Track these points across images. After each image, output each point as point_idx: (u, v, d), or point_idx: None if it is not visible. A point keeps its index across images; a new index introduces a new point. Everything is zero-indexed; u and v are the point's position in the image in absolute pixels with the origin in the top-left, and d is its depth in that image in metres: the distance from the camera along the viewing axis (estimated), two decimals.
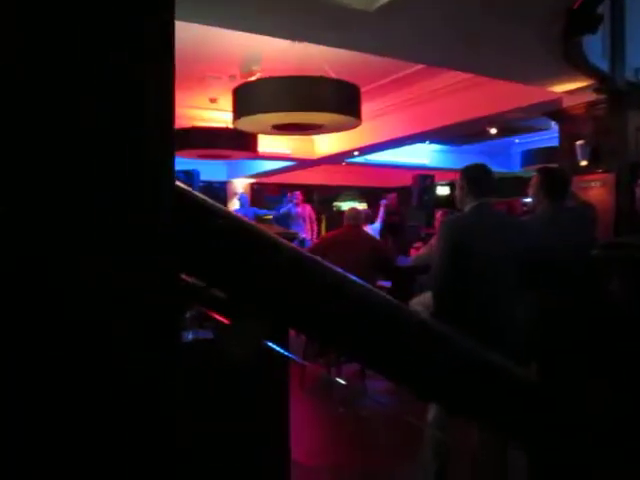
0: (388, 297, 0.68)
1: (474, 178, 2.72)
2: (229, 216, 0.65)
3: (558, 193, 2.96)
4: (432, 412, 2.71)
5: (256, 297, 0.68)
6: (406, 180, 10.52)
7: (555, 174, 3.10)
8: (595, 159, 4.98)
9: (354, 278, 0.67)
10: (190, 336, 2.38)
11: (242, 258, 0.64)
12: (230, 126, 5.78)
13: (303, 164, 10.24)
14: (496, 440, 2.24)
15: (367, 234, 5.44)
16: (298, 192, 9.69)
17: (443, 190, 9.41)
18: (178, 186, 0.56)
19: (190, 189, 0.62)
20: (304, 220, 9.38)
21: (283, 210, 9.53)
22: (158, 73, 0.50)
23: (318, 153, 9.24)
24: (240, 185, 12.11)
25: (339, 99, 4.40)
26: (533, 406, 0.72)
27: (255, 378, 1.99)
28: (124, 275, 0.45)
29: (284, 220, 9.27)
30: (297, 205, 9.44)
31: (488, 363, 0.70)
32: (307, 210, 9.60)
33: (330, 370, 4.78)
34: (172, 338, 0.49)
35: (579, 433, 0.76)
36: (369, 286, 0.68)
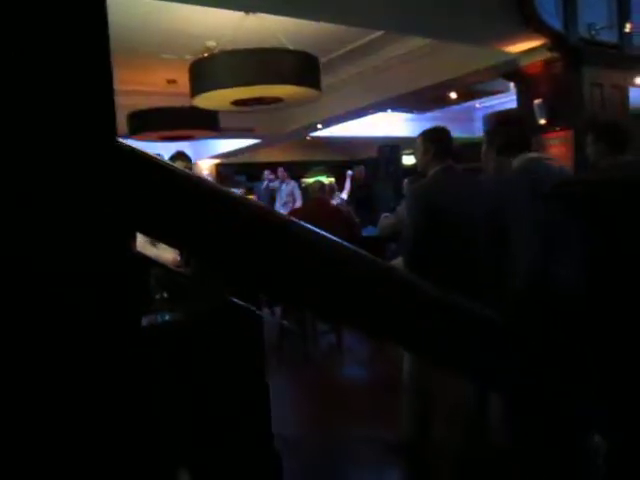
0: (349, 246, 0.68)
1: (438, 141, 2.74)
2: (184, 174, 0.64)
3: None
4: (407, 362, 2.76)
5: (216, 255, 0.67)
6: (373, 152, 10.55)
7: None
8: (553, 117, 5.06)
9: (316, 230, 0.67)
10: (161, 318, 2.37)
11: (199, 215, 0.63)
12: (190, 105, 5.68)
13: (268, 141, 10.14)
14: (475, 386, 2.30)
15: (332, 205, 5.53)
16: (280, 168, 9.68)
17: (409, 159, 9.46)
18: (121, 143, 0.55)
19: (135, 147, 0.61)
20: (288, 196, 9.38)
21: (271, 185, 9.52)
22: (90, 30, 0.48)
23: (282, 128, 9.17)
24: (205, 166, 11.96)
25: (298, 70, 4.36)
26: (504, 348, 0.73)
27: (230, 355, 1.99)
28: (69, 243, 0.43)
29: (266, 197, 9.28)
30: (282, 182, 9.46)
31: (460, 307, 0.71)
32: (290, 186, 9.59)
33: (307, 341, 4.84)
34: (131, 313, 0.47)
35: (549, 372, 0.78)
36: (332, 237, 0.68)
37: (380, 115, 9.58)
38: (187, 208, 0.62)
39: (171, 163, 0.68)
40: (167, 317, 2.38)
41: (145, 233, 0.69)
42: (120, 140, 0.54)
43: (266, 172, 10.14)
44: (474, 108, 10.02)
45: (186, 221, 0.62)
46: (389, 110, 9.22)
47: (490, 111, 8.50)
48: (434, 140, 2.75)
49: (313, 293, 0.67)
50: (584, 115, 4.78)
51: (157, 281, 2.26)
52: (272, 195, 9.59)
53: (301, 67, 4.40)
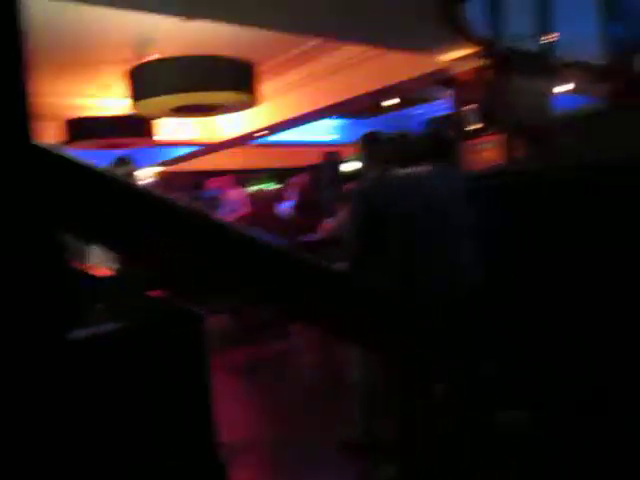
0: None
1: (376, 144, 2.83)
2: (103, 173, 0.65)
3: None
4: (356, 358, 2.81)
5: (136, 252, 0.68)
6: (317, 158, 10.61)
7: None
8: (486, 122, 5.28)
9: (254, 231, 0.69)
10: (98, 329, 2.31)
11: (121, 214, 0.63)
12: (128, 113, 5.58)
13: (210, 148, 10.06)
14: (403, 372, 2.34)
15: (275, 211, 5.62)
16: (227, 176, 9.58)
17: (351, 165, 9.57)
18: (37, 145, 0.56)
19: (52, 147, 0.62)
20: (233, 204, 9.27)
21: (211, 195, 9.41)
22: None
23: (223, 136, 9.12)
24: (148, 175, 11.73)
25: (236, 77, 4.37)
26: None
27: (172, 362, 1.96)
28: None
29: (211, 205, 9.16)
30: (228, 190, 9.36)
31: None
32: (235, 194, 9.49)
33: (255, 346, 4.85)
34: (54, 324, 0.47)
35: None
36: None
37: (323, 121, 9.69)
38: (107, 206, 0.63)
39: (97, 166, 0.69)
40: (104, 327, 2.33)
41: (66, 231, 0.70)
42: (38, 142, 0.55)
43: (210, 180, 10.03)
44: (413, 114, 10.27)
45: (106, 219, 0.63)
46: (331, 117, 9.33)
47: (428, 117, 8.75)
48: (372, 143, 2.83)
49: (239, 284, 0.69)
50: (513, 120, 5.02)
51: (95, 291, 2.22)
52: (217, 202, 9.49)
53: (238, 74, 4.42)
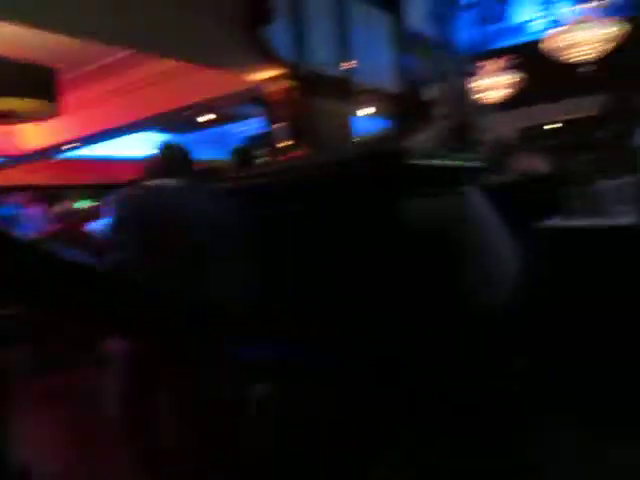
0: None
1: (167, 159, 2.84)
2: None
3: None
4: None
5: None
6: (135, 173, 10.24)
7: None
8: (295, 140, 5.59)
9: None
10: None
11: None
12: None
13: (10, 161, 9.19)
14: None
15: (84, 230, 5.37)
16: (25, 193, 8.81)
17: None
18: None
19: None
20: (36, 222, 8.54)
21: (9, 212, 8.58)
22: None
23: (26, 148, 8.39)
24: None
25: (31, 83, 4.09)
26: None
27: None
28: None
29: (10, 222, 8.36)
30: (26, 207, 8.59)
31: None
32: (39, 211, 8.75)
33: (63, 371, 4.52)
34: None
35: None
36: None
37: (142, 135, 9.40)
38: None
39: None
40: None
41: None
42: None
43: (9, 196, 9.18)
44: (235, 131, 10.45)
45: None
46: (146, 130, 9.10)
47: (247, 134, 8.96)
48: (165, 158, 2.84)
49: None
50: (318, 139, 5.40)
51: None
52: (16, 220, 8.73)
53: (34, 80, 4.14)
